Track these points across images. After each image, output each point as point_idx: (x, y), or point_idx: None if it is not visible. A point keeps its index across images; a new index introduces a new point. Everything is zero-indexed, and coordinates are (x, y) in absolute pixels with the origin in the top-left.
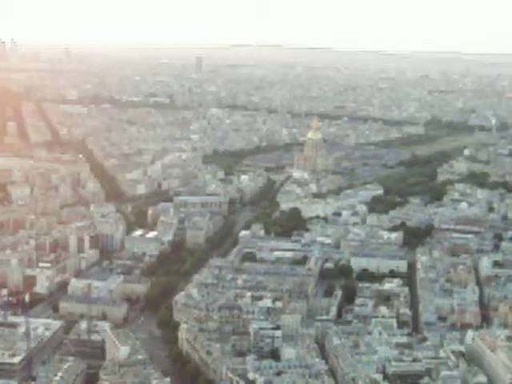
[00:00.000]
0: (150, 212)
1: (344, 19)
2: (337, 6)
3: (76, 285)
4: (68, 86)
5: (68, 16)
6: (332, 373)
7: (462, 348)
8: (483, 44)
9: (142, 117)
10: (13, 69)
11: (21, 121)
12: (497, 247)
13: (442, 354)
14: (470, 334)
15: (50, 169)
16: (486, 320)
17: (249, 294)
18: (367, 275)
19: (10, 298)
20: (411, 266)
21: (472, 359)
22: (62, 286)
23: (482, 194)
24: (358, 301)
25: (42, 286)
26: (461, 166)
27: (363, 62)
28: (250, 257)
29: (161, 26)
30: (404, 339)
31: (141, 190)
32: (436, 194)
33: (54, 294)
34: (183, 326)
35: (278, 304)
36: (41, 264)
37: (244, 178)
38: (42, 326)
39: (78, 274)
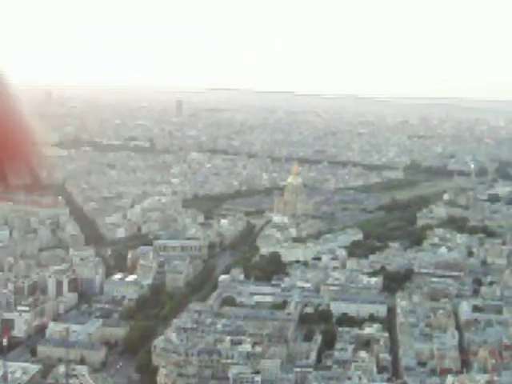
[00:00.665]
0: (129, 255)
1: (323, 63)
2: (315, 50)
3: (54, 328)
4: (48, 129)
5: (48, 58)
6: None
7: None
8: (461, 89)
9: (122, 160)
10: None
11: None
12: (476, 292)
13: None
14: (449, 379)
15: (30, 211)
16: (465, 365)
17: (228, 338)
18: (347, 320)
19: None
20: (391, 311)
21: None
22: (41, 330)
23: (461, 238)
24: (338, 345)
25: (20, 330)
26: (440, 211)
27: (342, 106)
28: (229, 301)
29: (141, 69)
30: None
31: (120, 233)
32: (415, 239)
33: (32, 338)
34: (162, 371)
35: (258, 349)
36: (19, 307)
37: (224, 222)
38: (20, 369)
39: (57, 317)
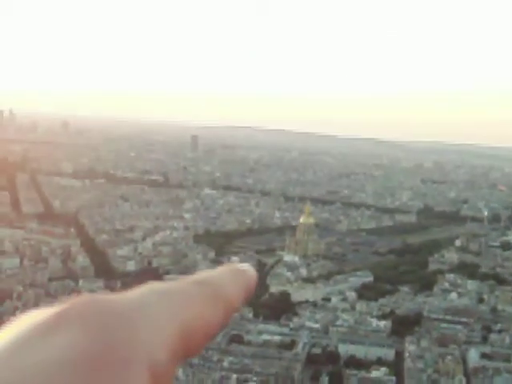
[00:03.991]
0: None
1: (342, 105)
2: (334, 92)
3: None
4: (64, 159)
5: (65, 90)
6: None
7: None
8: (476, 135)
9: (135, 193)
10: (9, 139)
11: (14, 191)
12: (485, 339)
13: None
14: None
15: (41, 241)
16: None
17: (235, 376)
18: (354, 362)
19: None
20: (399, 355)
21: None
22: None
23: (472, 284)
24: None
25: None
26: (452, 256)
27: (358, 148)
28: (237, 339)
29: (159, 103)
30: None
31: (131, 266)
32: (426, 283)
33: None
34: None
35: None
36: None
37: (234, 259)
38: None
39: None
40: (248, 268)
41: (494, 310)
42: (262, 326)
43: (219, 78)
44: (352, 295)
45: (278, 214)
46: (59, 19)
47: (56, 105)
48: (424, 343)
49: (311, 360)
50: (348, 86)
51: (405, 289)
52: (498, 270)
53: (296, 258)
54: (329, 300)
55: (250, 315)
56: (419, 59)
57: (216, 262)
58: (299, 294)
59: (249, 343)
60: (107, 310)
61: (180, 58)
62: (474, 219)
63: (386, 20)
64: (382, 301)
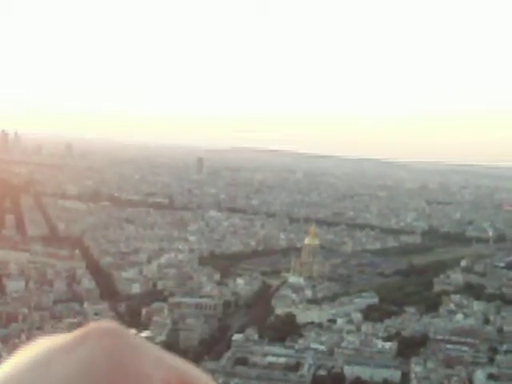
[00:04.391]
0: (143, 312)
1: (345, 127)
2: (336, 113)
3: None
4: (68, 182)
5: (70, 111)
6: None
7: None
8: (481, 155)
9: (140, 215)
10: (14, 161)
11: (19, 214)
12: (491, 360)
13: None
14: None
15: (46, 263)
16: None
17: None
18: None
19: None
20: (405, 376)
21: None
22: None
23: (478, 305)
24: None
25: None
26: (457, 277)
27: (362, 169)
28: (242, 361)
29: (164, 126)
30: None
31: (136, 289)
32: (432, 305)
33: None
34: None
35: None
36: None
37: (240, 281)
38: None
39: None
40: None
41: (500, 330)
42: (267, 348)
43: (220, 99)
44: (357, 317)
45: (283, 236)
46: (59, 38)
47: (61, 127)
48: (430, 364)
49: (317, 382)
50: (348, 104)
51: (410, 310)
52: (504, 290)
53: (301, 280)
54: (334, 321)
55: (256, 337)
56: (421, 79)
57: (221, 284)
58: (304, 315)
59: (254, 365)
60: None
61: (184, 80)
62: (479, 240)
63: (386, 33)
64: (387, 322)
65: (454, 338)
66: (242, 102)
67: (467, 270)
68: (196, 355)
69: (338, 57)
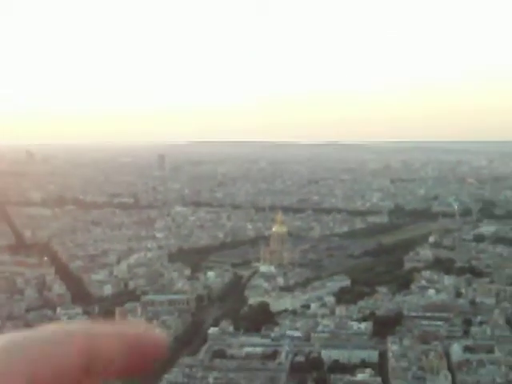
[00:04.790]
0: (117, 312)
1: (302, 111)
2: (292, 99)
3: None
4: (31, 188)
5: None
6: None
7: None
8: (441, 131)
9: (106, 217)
10: None
11: None
12: (467, 332)
13: None
14: None
15: (15, 272)
16: None
17: None
18: (339, 367)
19: None
20: (382, 356)
21: None
22: None
23: (448, 280)
24: None
25: None
26: (426, 253)
27: (324, 153)
28: (220, 354)
29: (122, 123)
30: None
31: (107, 290)
32: (403, 282)
33: None
34: None
35: None
36: None
37: (210, 274)
38: None
39: None
40: (152, 334)
41: (472, 303)
42: (243, 339)
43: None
44: (331, 300)
45: (250, 226)
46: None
47: (15, 134)
48: (406, 342)
49: (295, 368)
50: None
51: (383, 289)
52: (474, 263)
53: (272, 268)
54: (308, 307)
55: (231, 329)
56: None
57: (192, 279)
58: (278, 303)
59: (232, 357)
60: None
61: (133, 77)
62: (445, 215)
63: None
64: (360, 303)
65: (428, 314)
66: (195, 95)
67: (436, 245)
68: (173, 352)
69: (294, 42)
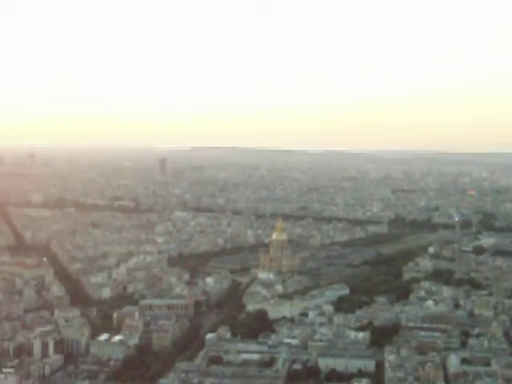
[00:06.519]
0: (115, 315)
1: (307, 119)
2: (298, 106)
3: None
4: (33, 190)
5: (29, 122)
6: None
7: None
8: (443, 143)
9: (106, 220)
10: None
11: None
12: (464, 344)
13: None
14: None
15: (14, 273)
16: None
17: None
18: (335, 375)
19: None
20: (379, 365)
21: None
22: None
23: (447, 291)
24: None
25: None
26: (426, 264)
27: (326, 162)
28: (216, 360)
29: (124, 127)
30: None
31: (106, 293)
32: (402, 293)
33: None
34: None
35: None
36: (4, 369)
37: (209, 280)
38: None
39: (43, 379)
40: None
41: (470, 314)
42: (240, 346)
43: (173, 97)
44: (329, 309)
45: (250, 233)
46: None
47: (19, 136)
48: (403, 352)
49: (292, 376)
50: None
51: (381, 299)
52: (473, 274)
53: (271, 275)
54: (306, 315)
55: (228, 335)
56: (369, 68)
57: (191, 284)
58: (276, 310)
59: (228, 363)
60: None
61: (137, 79)
62: (445, 226)
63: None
64: (359, 312)
65: (426, 325)
66: (197, 100)
67: (435, 256)
68: (170, 356)
69: (292, 52)
